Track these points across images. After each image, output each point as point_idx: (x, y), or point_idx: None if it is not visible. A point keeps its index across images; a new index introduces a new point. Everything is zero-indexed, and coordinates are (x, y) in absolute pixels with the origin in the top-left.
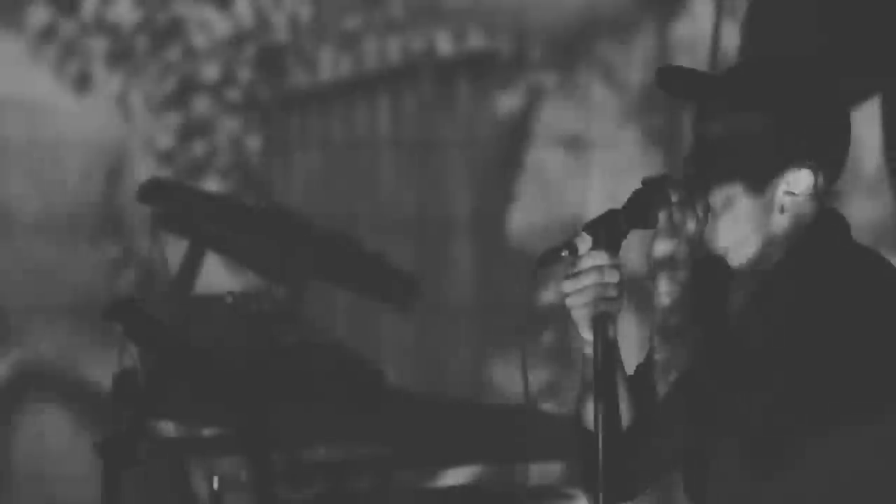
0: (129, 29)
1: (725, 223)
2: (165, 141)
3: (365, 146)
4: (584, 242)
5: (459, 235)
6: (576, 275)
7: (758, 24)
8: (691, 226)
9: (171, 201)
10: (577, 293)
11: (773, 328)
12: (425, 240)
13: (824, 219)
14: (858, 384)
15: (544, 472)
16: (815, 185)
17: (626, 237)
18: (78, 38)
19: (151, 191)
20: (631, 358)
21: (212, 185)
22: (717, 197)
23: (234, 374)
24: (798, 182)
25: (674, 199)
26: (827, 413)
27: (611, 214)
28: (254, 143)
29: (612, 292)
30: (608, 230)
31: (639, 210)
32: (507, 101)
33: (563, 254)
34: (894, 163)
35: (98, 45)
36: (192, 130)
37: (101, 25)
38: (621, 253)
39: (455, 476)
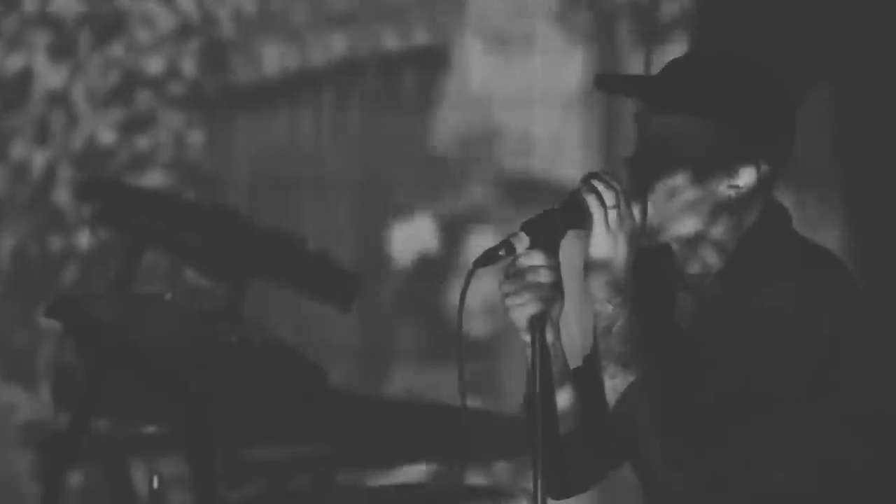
0: (72, 22)
1: (669, 216)
2: (108, 135)
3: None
4: (522, 242)
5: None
6: (512, 275)
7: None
8: (629, 226)
9: (109, 198)
10: (512, 294)
11: (727, 328)
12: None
13: (768, 211)
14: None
15: (486, 471)
16: (759, 179)
17: (563, 237)
18: (20, 32)
19: (88, 188)
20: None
21: (154, 179)
22: (661, 190)
23: (175, 372)
24: (742, 176)
25: (611, 200)
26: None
27: (548, 214)
28: (197, 138)
29: (548, 293)
30: (545, 230)
31: (577, 210)
32: None
33: (500, 253)
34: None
35: (40, 39)
36: (134, 125)
37: (44, 19)
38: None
39: (396, 475)
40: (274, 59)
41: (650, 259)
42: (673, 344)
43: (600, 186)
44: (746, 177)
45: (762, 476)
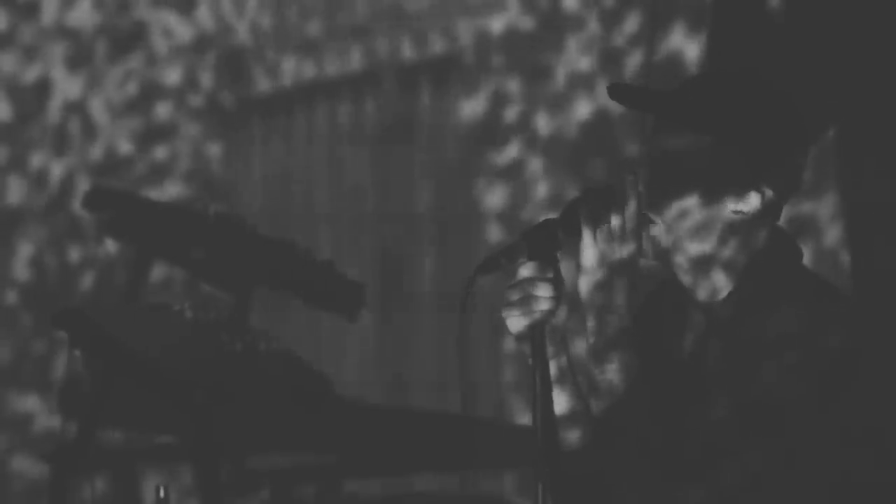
0: (90, 34)
1: (680, 236)
2: (126, 146)
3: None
4: (522, 251)
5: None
6: (510, 286)
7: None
8: (628, 242)
9: (117, 209)
10: (507, 305)
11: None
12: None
13: (777, 238)
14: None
15: (493, 481)
16: (763, 205)
17: (563, 247)
18: (38, 43)
19: (96, 198)
20: None
21: (172, 190)
22: (672, 211)
23: (181, 381)
24: (747, 201)
25: (604, 215)
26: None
27: (547, 224)
28: (215, 148)
29: (543, 305)
30: (544, 239)
31: (574, 221)
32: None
33: (501, 262)
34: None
35: (58, 50)
36: (152, 136)
37: (62, 30)
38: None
39: (402, 484)
40: (291, 70)
41: (663, 281)
42: (679, 365)
43: (596, 201)
44: (752, 202)
45: (774, 492)
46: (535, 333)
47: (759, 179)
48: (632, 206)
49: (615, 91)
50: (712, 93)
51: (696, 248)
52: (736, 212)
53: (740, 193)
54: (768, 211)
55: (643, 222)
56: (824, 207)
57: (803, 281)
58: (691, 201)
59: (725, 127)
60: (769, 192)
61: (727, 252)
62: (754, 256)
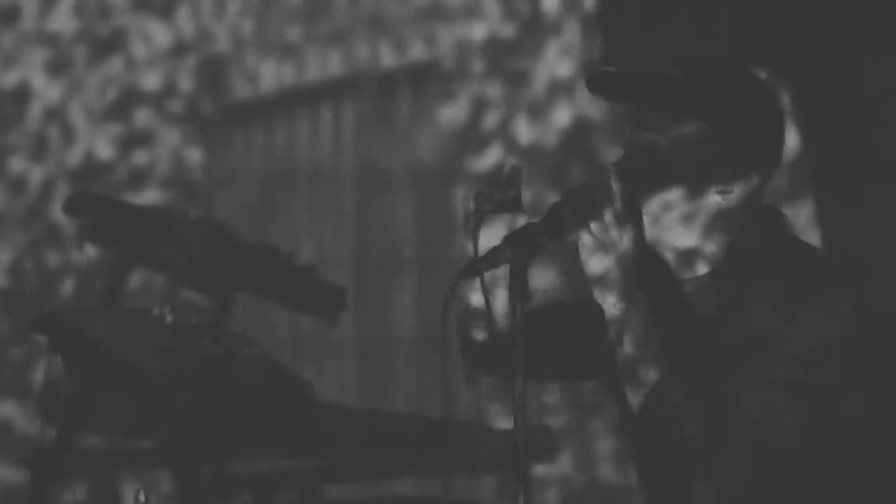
0: (69, 39)
1: (664, 229)
2: (106, 151)
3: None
4: (504, 256)
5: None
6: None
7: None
8: (618, 238)
9: (97, 213)
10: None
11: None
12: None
13: (764, 216)
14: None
15: (473, 485)
16: (748, 190)
17: (544, 249)
18: (17, 48)
19: (76, 203)
20: None
21: (152, 195)
22: (655, 203)
23: (161, 386)
24: (732, 186)
25: (593, 211)
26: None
27: (529, 227)
28: (195, 153)
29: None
30: (526, 242)
31: (556, 224)
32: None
33: (483, 266)
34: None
35: (37, 56)
36: (132, 141)
37: (41, 36)
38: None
39: (383, 489)
40: (270, 75)
41: (648, 267)
42: (699, 338)
43: (579, 201)
44: (737, 187)
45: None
46: (517, 350)
47: (748, 166)
48: (616, 201)
49: (595, 82)
50: (701, 80)
51: (680, 240)
52: (721, 193)
53: (726, 179)
54: (754, 196)
55: (628, 216)
56: (802, 216)
57: (789, 268)
58: (674, 193)
59: (718, 113)
60: (754, 177)
61: (712, 244)
62: (737, 248)
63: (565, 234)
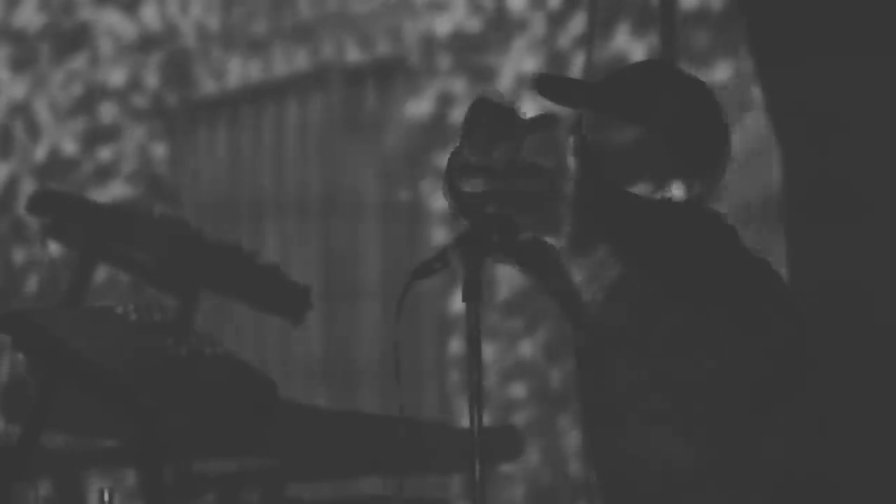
0: (34, 35)
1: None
2: (71, 147)
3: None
4: (455, 254)
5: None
6: None
7: None
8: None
9: (61, 212)
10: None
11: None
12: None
13: (710, 226)
14: None
15: (438, 484)
16: (690, 194)
17: (494, 250)
18: None
19: (40, 201)
20: None
21: (117, 191)
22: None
23: (125, 385)
24: (672, 191)
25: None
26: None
27: (481, 226)
28: (160, 149)
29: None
30: (476, 243)
31: (510, 221)
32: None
33: (436, 266)
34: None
35: (1, 52)
36: (97, 137)
37: (6, 31)
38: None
39: (346, 488)
40: (236, 70)
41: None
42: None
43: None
44: (676, 192)
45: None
46: (472, 345)
47: (684, 169)
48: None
49: (541, 84)
50: (645, 86)
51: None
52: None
53: (666, 184)
54: (695, 198)
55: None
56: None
57: (734, 274)
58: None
59: (659, 120)
60: (695, 184)
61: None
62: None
63: (518, 231)
